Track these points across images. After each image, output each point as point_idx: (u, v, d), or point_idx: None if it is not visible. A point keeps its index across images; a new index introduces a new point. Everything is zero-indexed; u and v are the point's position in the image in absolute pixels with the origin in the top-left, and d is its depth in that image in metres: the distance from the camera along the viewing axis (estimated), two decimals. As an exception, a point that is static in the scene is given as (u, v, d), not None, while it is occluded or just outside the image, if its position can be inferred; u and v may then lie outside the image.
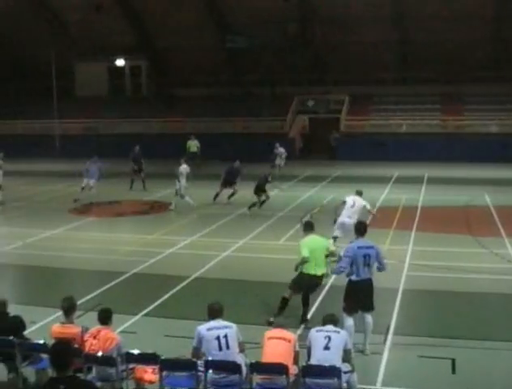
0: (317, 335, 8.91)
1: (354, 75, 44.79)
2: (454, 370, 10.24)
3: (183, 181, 24.00)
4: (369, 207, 17.61)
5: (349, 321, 10.78)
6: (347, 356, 8.82)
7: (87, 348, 9.01)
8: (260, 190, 23.97)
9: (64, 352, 6.32)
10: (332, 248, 12.75)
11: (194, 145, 37.29)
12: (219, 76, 47.54)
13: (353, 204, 17.04)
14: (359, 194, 17.58)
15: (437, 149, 39.12)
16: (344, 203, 17.24)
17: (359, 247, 10.91)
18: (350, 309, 10.88)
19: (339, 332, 8.92)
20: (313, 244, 12.11)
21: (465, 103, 44.05)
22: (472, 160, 37.76)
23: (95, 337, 9.09)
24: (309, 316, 12.32)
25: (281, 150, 34.75)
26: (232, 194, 25.34)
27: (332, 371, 8.35)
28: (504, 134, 40.07)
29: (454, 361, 10.46)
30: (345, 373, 8.56)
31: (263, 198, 23.95)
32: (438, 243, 18.77)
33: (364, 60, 43.53)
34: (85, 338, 9.15)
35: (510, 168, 35.52)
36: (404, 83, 44.10)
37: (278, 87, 46.11)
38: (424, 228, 20.70)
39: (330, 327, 8.97)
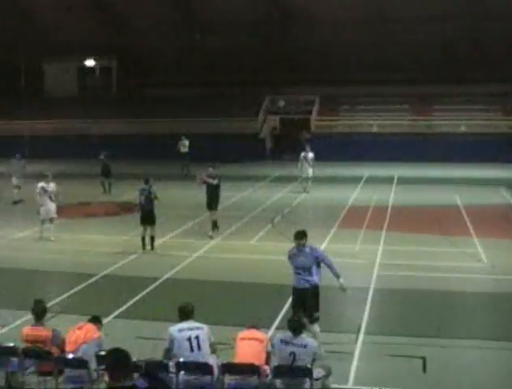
0: (282, 348, 8.64)
1: (325, 75, 44.97)
2: (424, 369, 10.29)
3: None
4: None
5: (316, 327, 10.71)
6: (317, 364, 8.65)
7: (68, 338, 9.00)
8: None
9: (123, 360, 6.02)
10: None
11: (184, 145, 37.07)
12: (190, 76, 47.44)
13: None
14: None
15: (406, 149, 39.43)
16: None
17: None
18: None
19: (305, 346, 8.59)
20: None
21: (434, 103, 44.47)
22: (443, 160, 38.18)
23: (79, 328, 9.08)
24: (279, 317, 12.34)
25: (310, 155, 29.05)
26: None
27: (303, 371, 8.34)
28: (473, 134, 40.54)
29: (424, 359, 10.49)
30: (316, 380, 8.42)
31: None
32: (409, 242, 18.91)
33: (336, 60, 43.74)
34: (70, 331, 9.12)
35: (480, 168, 35.97)
36: (375, 83, 44.38)
37: (249, 87, 46.15)
38: (394, 228, 20.81)
39: (296, 340, 8.65)
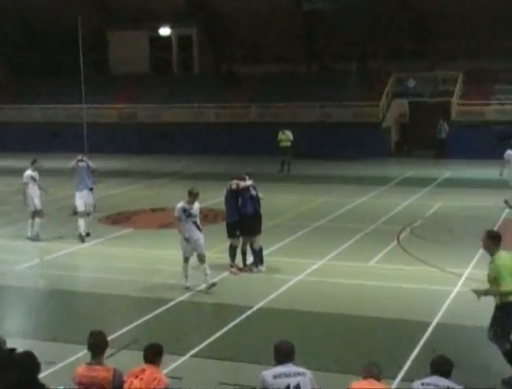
0: None
1: (469, 46, 44.19)
2: None
3: None
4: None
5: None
6: None
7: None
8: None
9: None
10: None
11: (285, 138, 37.15)
12: (292, 49, 47.62)
13: None
14: None
15: None
16: None
17: None
18: None
19: None
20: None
21: None
22: None
23: (137, 377, 9.08)
24: (408, 363, 12.15)
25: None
26: None
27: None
28: None
29: None
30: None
31: None
32: None
33: (483, 26, 42.85)
34: (124, 378, 9.19)
35: None
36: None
37: (368, 62, 45.92)
38: None
39: (441, 381, 8.51)
